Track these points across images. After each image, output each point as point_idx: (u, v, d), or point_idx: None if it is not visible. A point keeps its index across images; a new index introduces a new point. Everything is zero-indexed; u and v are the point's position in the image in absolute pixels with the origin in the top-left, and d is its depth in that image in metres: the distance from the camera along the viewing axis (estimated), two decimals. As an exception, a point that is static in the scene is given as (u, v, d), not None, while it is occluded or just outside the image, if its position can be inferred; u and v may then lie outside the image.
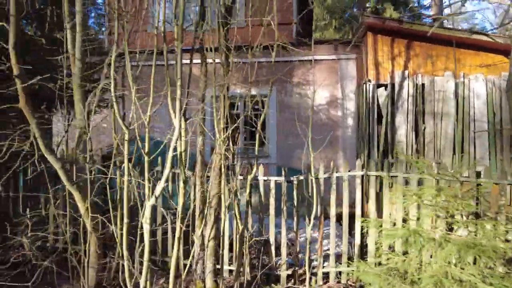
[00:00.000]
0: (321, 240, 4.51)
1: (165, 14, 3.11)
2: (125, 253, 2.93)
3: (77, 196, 3.71)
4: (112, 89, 2.76)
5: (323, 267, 4.56)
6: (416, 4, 17.92)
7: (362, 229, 4.41)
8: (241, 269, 4.25)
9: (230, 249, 4.58)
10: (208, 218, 3.96)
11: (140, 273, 3.19)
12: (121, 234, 3.70)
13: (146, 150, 3.09)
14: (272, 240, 4.55)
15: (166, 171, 2.70)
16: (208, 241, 3.93)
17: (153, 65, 3.01)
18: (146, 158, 3.10)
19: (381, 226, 4.39)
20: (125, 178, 2.87)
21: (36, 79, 3.03)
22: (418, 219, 4.10)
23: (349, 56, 8.44)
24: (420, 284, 3.41)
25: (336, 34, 18.41)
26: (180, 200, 3.16)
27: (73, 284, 3.86)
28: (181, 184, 3.13)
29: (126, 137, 2.82)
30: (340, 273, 4.56)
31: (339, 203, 4.69)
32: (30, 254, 3.53)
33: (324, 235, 5.10)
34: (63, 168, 3.60)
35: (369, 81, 6.92)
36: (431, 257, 3.64)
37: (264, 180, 4.57)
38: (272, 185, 4.53)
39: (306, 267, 4.28)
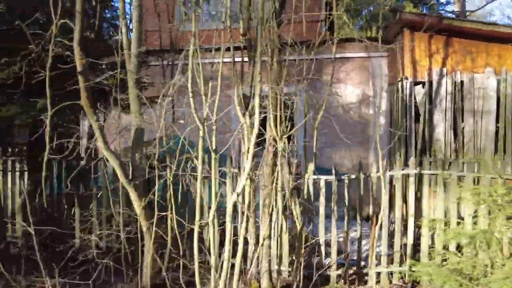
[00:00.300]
0: (374, 240, 4.43)
1: (229, 12, 3.05)
2: (196, 251, 2.88)
3: (133, 195, 3.68)
4: (189, 85, 2.71)
5: (375, 266, 4.47)
6: (435, 1, 17.68)
7: (420, 229, 4.32)
8: (292, 269, 4.19)
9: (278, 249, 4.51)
10: (262, 216, 3.90)
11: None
12: (175, 234, 3.66)
13: (213, 147, 3.04)
14: (322, 240, 4.47)
15: (247, 167, 2.64)
16: (263, 240, 3.86)
17: (220, 62, 2.96)
18: (213, 155, 3.05)
19: (433, 225, 4.30)
20: (199, 176, 2.82)
21: (102, 77, 2.99)
22: (474, 218, 4.00)
23: (380, 54, 8.32)
24: (489, 284, 3.31)
25: (355, 32, 18.24)
26: (246, 198, 3.10)
27: (128, 283, 3.83)
28: (248, 182, 3.08)
29: (201, 133, 2.77)
30: (391, 273, 4.47)
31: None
32: (94, 252, 3.50)
33: (366, 235, 5.02)
34: (121, 166, 3.57)
35: (406, 78, 6.80)
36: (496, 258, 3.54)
37: (314, 179, 4.49)
38: (322, 184, 4.45)
39: (372, 265, 4.20)
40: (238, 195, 2.73)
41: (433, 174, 4.38)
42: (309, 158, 8.29)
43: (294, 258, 4.17)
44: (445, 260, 4.06)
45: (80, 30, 3.22)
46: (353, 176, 4.46)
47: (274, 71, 3.89)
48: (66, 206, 5.24)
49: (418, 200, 4.50)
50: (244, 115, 3.00)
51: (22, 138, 4.99)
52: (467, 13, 13.88)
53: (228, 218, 2.80)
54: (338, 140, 7.92)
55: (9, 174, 5.28)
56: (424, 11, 18.20)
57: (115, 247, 3.86)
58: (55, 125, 5.27)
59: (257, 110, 2.65)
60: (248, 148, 2.79)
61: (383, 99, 8.44)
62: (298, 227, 3.72)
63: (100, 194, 4.90)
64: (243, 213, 3.63)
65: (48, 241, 4.50)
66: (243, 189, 3.86)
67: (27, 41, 3.44)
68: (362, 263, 4.56)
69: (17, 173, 5.31)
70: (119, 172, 3.55)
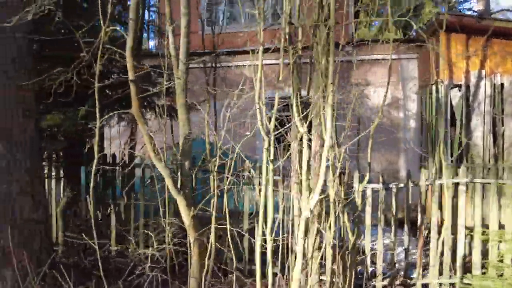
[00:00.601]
0: (421, 250, 4.28)
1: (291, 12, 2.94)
2: (258, 266, 2.78)
3: (182, 204, 3.59)
4: (257, 95, 2.61)
5: (422, 277, 4.33)
6: (457, -1, 17.33)
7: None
8: (335, 280, 4.07)
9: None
10: (310, 227, 3.78)
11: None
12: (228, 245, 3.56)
13: (271, 157, 2.94)
14: (368, 250, 4.34)
15: (320, 183, 2.53)
16: (313, 251, 3.75)
17: (284, 63, 2.85)
18: (270, 166, 2.95)
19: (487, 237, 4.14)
20: (270, 187, 2.72)
21: (158, 88, 2.92)
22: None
23: (410, 56, 8.14)
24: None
25: (372, 33, 18.00)
26: (303, 211, 2.99)
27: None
28: (305, 193, 2.97)
29: (266, 145, 2.67)
30: (440, 285, 4.31)
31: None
32: (148, 265, 3.43)
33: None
34: (171, 175, 3.49)
35: (442, 81, 6.61)
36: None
37: (360, 187, 4.36)
38: (369, 193, 4.32)
39: (419, 276, 4.06)
40: (311, 211, 2.63)
41: (485, 183, 4.21)
42: (353, 167, 8.18)
43: (337, 268, 4.04)
44: (502, 274, 3.91)
45: (133, 37, 3.14)
46: (401, 185, 4.32)
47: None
48: (100, 214, 5.21)
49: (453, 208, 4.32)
50: (303, 125, 2.90)
51: (58, 145, 4.95)
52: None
53: (300, 235, 2.69)
54: (366, 144, 7.80)
55: (46, 181, 5.25)
56: (443, 10, 17.84)
57: (159, 255, 3.78)
58: (83, 130, 5.25)
59: (329, 123, 2.53)
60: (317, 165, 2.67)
61: (412, 102, 8.26)
62: (352, 239, 3.59)
63: (137, 202, 4.87)
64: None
65: (90, 250, 4.44)
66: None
67: (78, 49, 3.38)
68: (409, 273, 4.41)
69: (53, 180, 5.29)
70: (168, 182, 3.47)
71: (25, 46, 3.19)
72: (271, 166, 2.93)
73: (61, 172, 5.32)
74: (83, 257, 3.88)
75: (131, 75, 3.21)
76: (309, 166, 2.97)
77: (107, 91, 4.53)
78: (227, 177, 3.30)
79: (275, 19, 8.45)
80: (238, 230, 3.34)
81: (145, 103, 4.64)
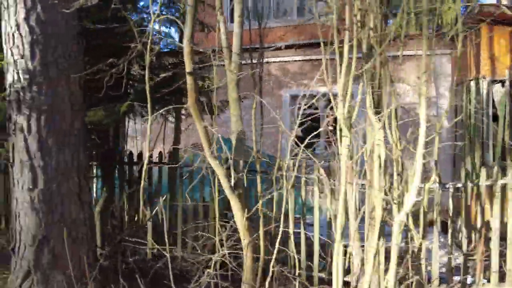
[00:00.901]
0: (482, 254, 4.03)
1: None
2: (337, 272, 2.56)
3: (236, 205, 3.38)
4: (340, 88, 2.39)
5: (482, 284, 4.08)
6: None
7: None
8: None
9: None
10: (369, 230, 3.56)
11: None
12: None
13: (341, 155, 2.72)
14: (423, 253, 4.09)
15: (417, 179, 2.30)
16: (373, 256, 3.51)
17: (350, 56, 2.63)
18: (342, 164, 2.73)
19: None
20: (342, 186, 2.50)
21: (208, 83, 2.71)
22: None
23: (443, 52, 7.87)
24: None
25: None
26: (378, 212, 2.77)
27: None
28: (378, 194, 2.74)
29: (348, 142, 2.45)
30: (501, 292, 4.06)
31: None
32: (209, 270, 3.23)
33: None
34: (226, 175, 3.28)
35: (484, 77, 6.35)
36: None
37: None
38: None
39: (480, 282, 3.82)
40: (407, 214, 2.42)
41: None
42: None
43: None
44: None
45: (191, 26, 2.94)
46: (459, 185, 4.07)
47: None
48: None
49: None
50: (377, 120, 2.68)
51: (93, 142, 4.76)
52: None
53: (394, 241, 2.47)
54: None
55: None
56: (463, 10, 17.47)
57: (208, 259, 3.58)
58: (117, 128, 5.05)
59: (423, 113, 2.30)
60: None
61: (445, 100, 7.99)
62: (418, 241, 3.36)
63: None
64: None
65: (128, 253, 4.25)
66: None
67: (125, 40, 3.18)
68: (467, 279, 4.17)
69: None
70: (223, 181, 3.26)
71: (77, 35, 3.00)
72: (344, 161, 2.71)
73: (94, 171, 5.15)
74: (129, 259, 3.69)
75: (188, 67, 3.00)
76: (386, 166, 2.75)
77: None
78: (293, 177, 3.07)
79: (302, 13, 8.24)
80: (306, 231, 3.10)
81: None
